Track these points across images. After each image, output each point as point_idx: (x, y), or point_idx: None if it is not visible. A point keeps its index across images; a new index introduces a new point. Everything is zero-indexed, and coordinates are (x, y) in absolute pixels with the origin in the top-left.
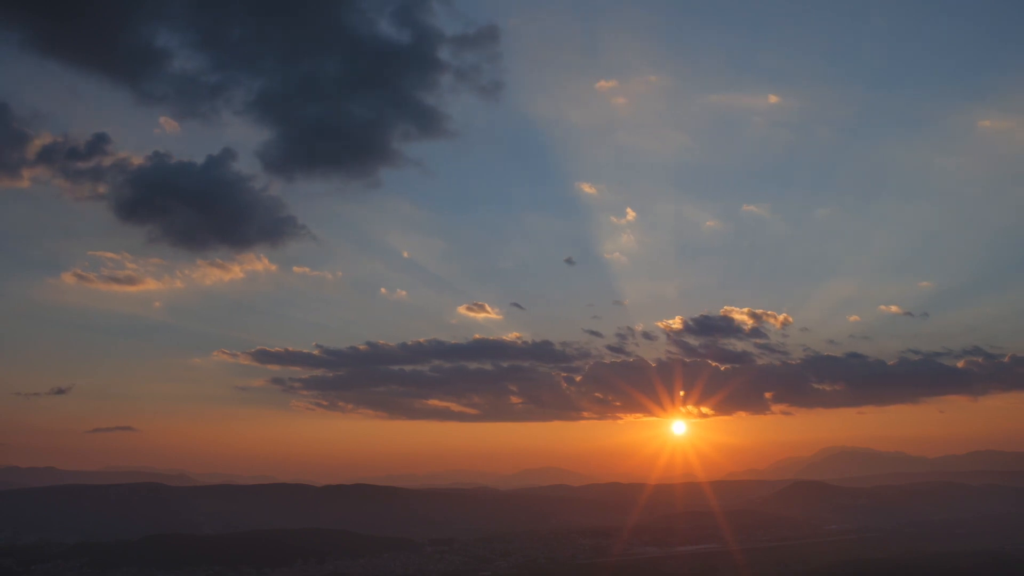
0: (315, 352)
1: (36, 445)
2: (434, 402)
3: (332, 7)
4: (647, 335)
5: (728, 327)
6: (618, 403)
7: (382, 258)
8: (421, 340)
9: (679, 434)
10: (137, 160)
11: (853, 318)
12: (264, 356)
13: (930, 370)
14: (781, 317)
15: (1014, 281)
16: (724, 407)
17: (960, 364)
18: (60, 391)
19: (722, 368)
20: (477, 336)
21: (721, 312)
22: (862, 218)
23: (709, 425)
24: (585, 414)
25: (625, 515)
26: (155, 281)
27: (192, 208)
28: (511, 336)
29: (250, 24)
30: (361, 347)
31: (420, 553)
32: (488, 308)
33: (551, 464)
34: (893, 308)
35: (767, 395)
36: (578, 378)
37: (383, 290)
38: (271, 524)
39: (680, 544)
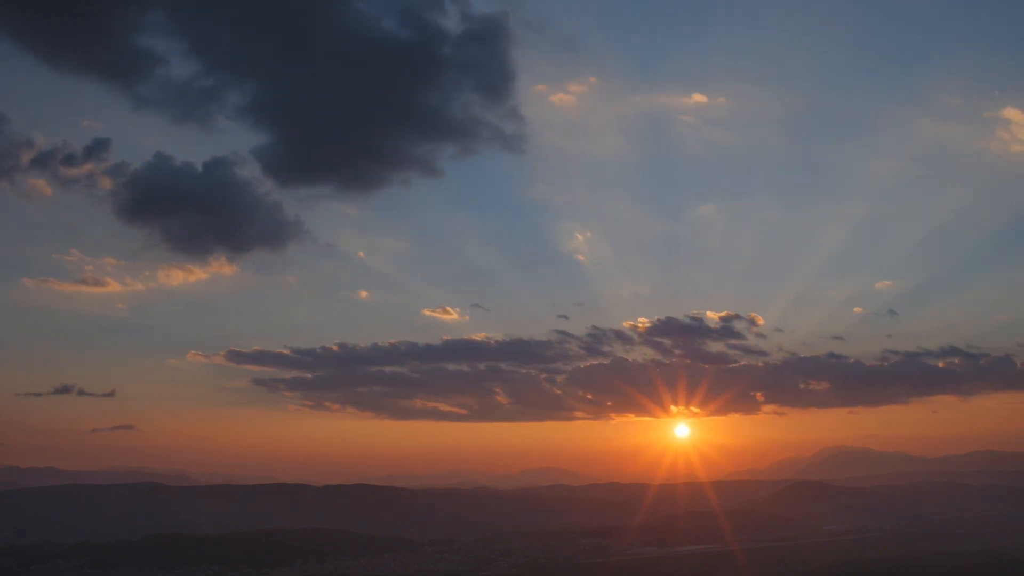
0: (286, 352)
1: (36, 445)
2: (419, 402)
3: None
4: (621, 336)
5: (698, 328)
6: (609, 403)
7: (340, 260)
8: (392, 341)
9: (676, 434)
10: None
11: (820, 319)
12: (238, 357)
13: (915, 370)
14: (752, 317)
15: (968, 281)
16: (716, 408)
17: (941, 364)
18: (61, 390)
19: (704, 367)
20: (447, 337)
21: (692, 313)
22: (808, 219)
23: (704, 426)
24: (577, 414)
25: (625, 515)
26: (117, 283)
27: (163, 213)
28: (480, 336)
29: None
30: (333, 347)
31: (420, 553)
32: (451, 310)
33: (550, 464)
34: (857, 309)
35: (758, 396)
36: (560, 378)
37: (345, 292)
38: (271, 524)
39: (680, 544)
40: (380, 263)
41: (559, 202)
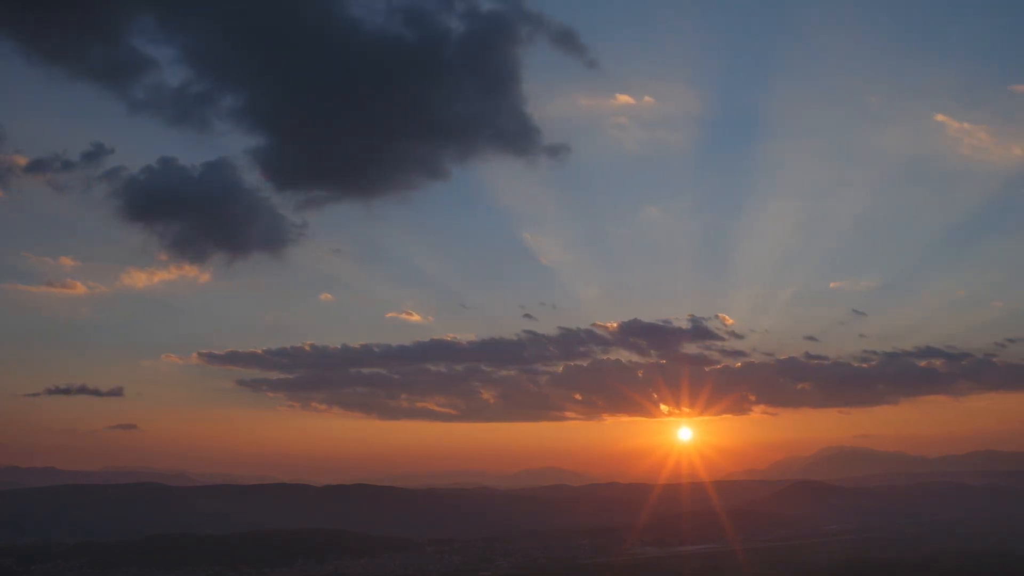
0: (259, 352)
1: (36, 445)
2: (406, 403)
3: None
4: (594, 337)
5: (669, 329)
6: (600, 404)
7: (302, 262)
8: (362, 343)
9: (671, 435)
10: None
11: (787, 319)
12: (213, 358)
13: (900, 371)
14: (722, 318)
15: (925, 281)
16: (707, 409)
17: (923, 364)
18: (61, 391)
19: (686, 368)
20: (418, 339)
21: (659, 315)
22: (753, 220)
23: (698, 426)
24: (568, 415)
25: (625, 515)
26: (82, 285)
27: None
28: (449, 337)
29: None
30: (306, 347)
31: (420, 553)
32: (414, 312)
33: (547, 464)
34: (824, 309)
35: (751, 396)
36: (543, 379)
37: (308, 294)
38: (271, 524)
39: (680, 544)
40: (341, 267)
41: (514, 204)
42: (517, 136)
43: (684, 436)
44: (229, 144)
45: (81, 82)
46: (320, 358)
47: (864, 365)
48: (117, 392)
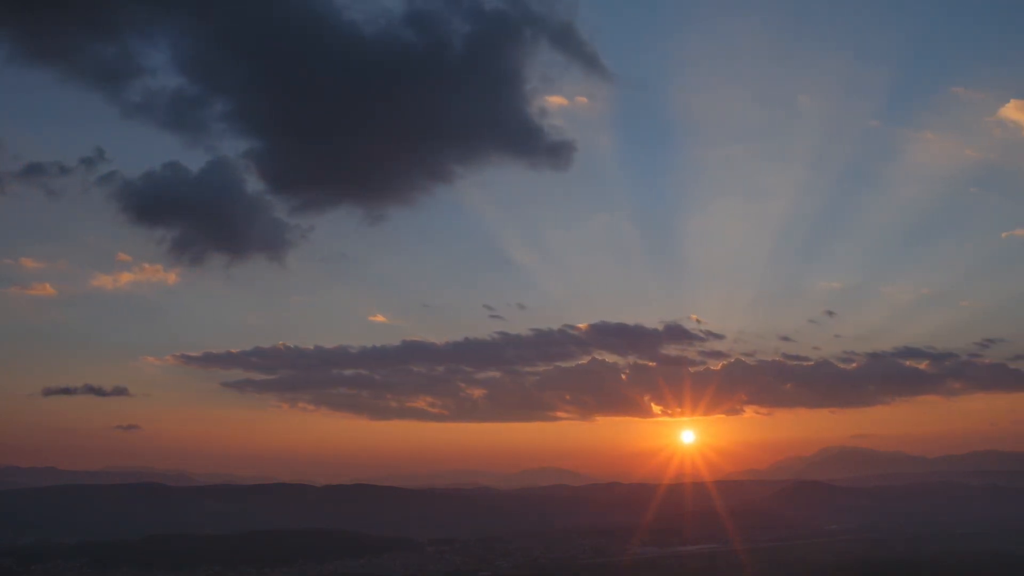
0: (233, 352)
1: (36, 445)
2: (392, 403)
3: None
4: (571, 338)
5: (643, 331)
6: (591, 404)
7: (266, 262)
8: (337, 344)
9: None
10: None
11: (758, 320)
12: (188, 360)
13: (887, 371)
14: (695, 319)
15: (891, 282)
16: (700, 409)
17: (907, 364)
18: (62, 391)
19: (669, 369)
20: (390, 341)
21: (630, 317)
22: (703, 221)
23: (692, 426)
24: (560, 415)
25: (625, 515)
26: (51, 287)
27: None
28: (419, 338)
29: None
30: (279, 347)
31: (420, 553)
32: (383, 314)
33: (546, 464)
34: (793, 310)
35: (742, 397)
36: (529, 380)
37: (277, 296)
38: (271, 524)
39: (681, 544)
40: (311, 269)
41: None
42: (520, 140)
43: (680, 436)
44: (220, 147)
45: (72, 84)
46: (296, 358)
47: (850, 366)
48: (121, 392)
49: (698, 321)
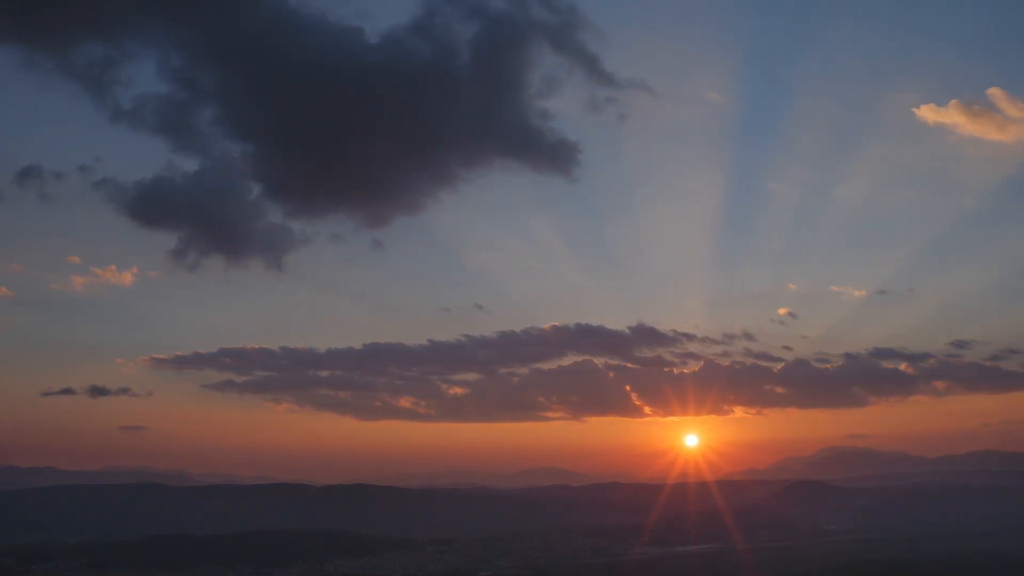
0: (201, 353)
1: (36, 445)
2: (379, 403)
3: None
4: (544, 340)
5: (616, 333)
6: (579, 405)
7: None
8: (304, 345)
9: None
10: None
11: (722, 322)
12: (159, 362)
13: (868, 372)
14: (655, 321)
15: (845, 280)
16: (688, 410)
17: (889, 365)
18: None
19: (651, 370)
20: (358, 345)
21: (595, 320)
22: (647, 225)
23: (690, 427)
24: (550, 415)
25: (625, 514)
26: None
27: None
28: (393, 340)
29: None
30: (250, 348)
31: (420, 553)
32: (352, 315)
33: (544, 464)
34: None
35: (729, 397)
36: (514, 380)
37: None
38: (271, 524)
39: (681, 544)
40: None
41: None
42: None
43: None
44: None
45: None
46: (268, 360)
47: (826, 367)
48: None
49: (659, 324)
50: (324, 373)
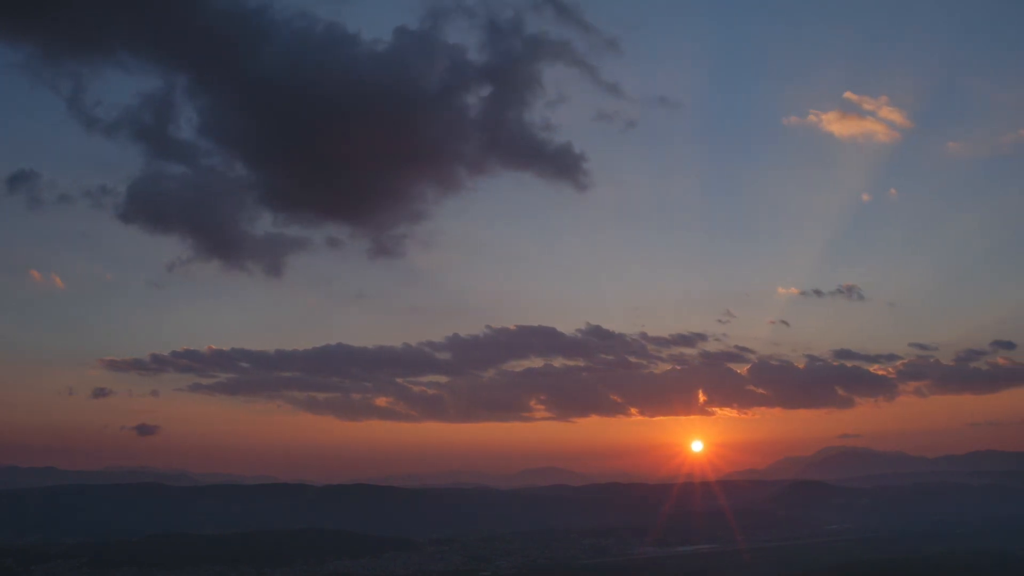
0: (163, 355)
1: (36, 445)
2: (358, 404)
3: None
4: (499, 342)
5: (557, 334)
6: (567, 405)
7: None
8: (277, 348)
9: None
10: None
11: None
12: (115, 365)
13: (845, 374)
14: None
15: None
16: (677, 410)
17: (871, 369)
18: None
19: (631, 372)
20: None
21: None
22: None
23: (686, 426)
24: (536, 415)
25: (625, 514)
26: None
27: None
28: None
29: None
30: (206, 350)
31: (420, 553)
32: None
33: (550, 464)
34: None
35: (712, 397)
36: (488, 379)
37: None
38: (271, 524)
39: (680, 544)
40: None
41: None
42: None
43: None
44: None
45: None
46: (269, 359)
47: (799, 366)
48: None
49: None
50: (324, 374)
